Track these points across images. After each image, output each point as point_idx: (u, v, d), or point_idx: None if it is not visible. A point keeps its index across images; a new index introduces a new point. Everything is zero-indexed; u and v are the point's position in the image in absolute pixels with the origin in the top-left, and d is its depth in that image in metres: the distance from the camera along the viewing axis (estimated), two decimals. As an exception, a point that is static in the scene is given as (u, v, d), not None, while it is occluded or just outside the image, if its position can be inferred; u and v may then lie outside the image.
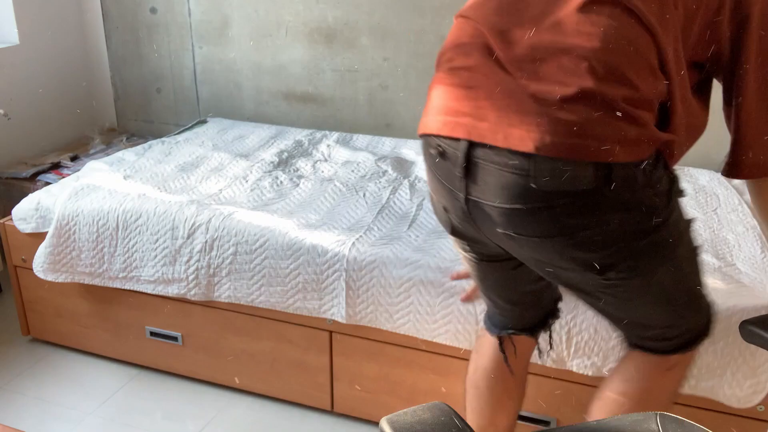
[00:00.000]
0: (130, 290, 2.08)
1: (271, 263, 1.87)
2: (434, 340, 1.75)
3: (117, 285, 2.06)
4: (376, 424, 1.96)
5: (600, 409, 1.34)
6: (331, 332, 1.89)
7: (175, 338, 2.09)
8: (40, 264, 2.10)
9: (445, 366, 1.80)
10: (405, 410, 0.90)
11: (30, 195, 2.21)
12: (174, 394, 2.11)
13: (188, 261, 1.95)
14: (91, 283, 2.08)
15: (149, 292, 2.02)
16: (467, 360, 1.75)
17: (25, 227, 2.15)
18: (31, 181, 2.62)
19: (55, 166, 2.75)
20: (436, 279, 1.71)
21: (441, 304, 1.71)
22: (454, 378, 1.80)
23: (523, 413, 1.76)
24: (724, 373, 1.55)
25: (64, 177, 2.55)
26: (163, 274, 1.98)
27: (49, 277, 2.11)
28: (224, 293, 1.94)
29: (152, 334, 2.11)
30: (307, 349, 1.93)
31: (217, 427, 1.97)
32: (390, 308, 1.76)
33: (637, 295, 1.18)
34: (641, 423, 1.08)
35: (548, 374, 1.69)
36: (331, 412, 2.00)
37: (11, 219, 2.20)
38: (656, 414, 1.09)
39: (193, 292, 1.97)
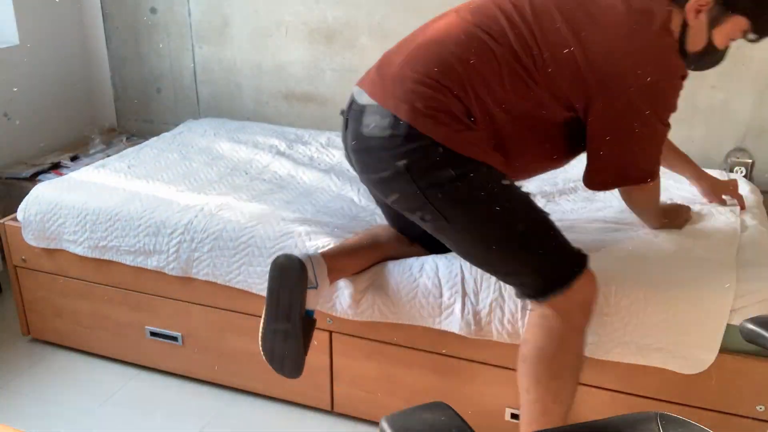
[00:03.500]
0: (130, 290, 2.08)
1: (257, 242, 1.88)
2: (400, 322, 1.76)
3: (96, 255, 2.06)
4: (376, 424, 1.96)
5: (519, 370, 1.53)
6: (331, 332, 1.89)
7: (175, 338, 2.09)
8: (30, 232, 2.15)
9: (445, 366, 1.80)
10: (405, 410, 0.90)
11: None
12: (174, 394, 2.11)
13: (172, 233, 1.96)
14: (74, 252, 2.09)
15: (128, 263, 2.03)
16: (467, 360, 1.76)
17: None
18: (31, 181, 2.62)
19: (55, 166, 2.75)
20: (404, 260, 1.77)
21: (405, 283, 1.74)
22: (454, 378, 1.80)
23: (523, 413, 1.76)
24: (675, 342, 1.58)
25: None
26: (144, 244, 1.99)
27: (42, 244, 2.13)
28: (203, 270, 1.94)
29: (152, 334, 2.12)
30: (307, 349, 1.93)
31: (217, 427, 1.97)
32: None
33: (453, 239, 1.54)
34: (642, 423, 1.09)
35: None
36: (331, 412, 2.00)
37: (11, 219, 2.20)
38: (657, 414, 1.10)
39: (171, 266, 1.97)
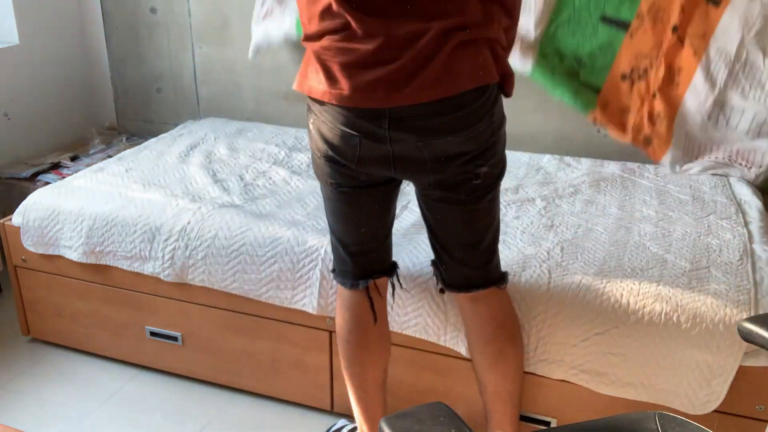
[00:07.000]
0: (130, 290, 2.08)
1: (249, 250, 1.88)
2: (404, 333, 1.77)
3: (92, 260, 2.06)
4: (376, 424, 1.96)
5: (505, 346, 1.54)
6: (331, 332, 1.89)
7: (175, 338, 2.09)
8: (29, 238, 2.14)
9: (445, 366, 1.80)
10: (405, 410, 0.90)
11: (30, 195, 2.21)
12: (174, 394, 2.11)
13: (167, 239, 1.96)
14: (71, 258, 2.09)
15: (124, 268, 2.03)
16: (468, 360, 1.75)
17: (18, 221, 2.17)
18: (31, 181, 2.62)
19: (55, 166, 2.75)
20: (408, 274, 1.74)
21: (412, 299, 1.73)
22: (454, 378, 1.80)
23: (523, 413, 1.76)
24: (681, 383, 1.57)
25: (64, 177, 2.55)
26: (140, 250, 1.99)
27: (40, 250, 2.13)
28: (198, 276, 1.94)
29: (152, 334, 2.12)
30: (307, 349, 1.93)
31: (217, 427, 1.97)
32: None
33: (494, 200, 1.42)
34: (641, 422, 1.09)
35: (548, 375, 1.70)
36: (331, 412, 2.00)
37: (11, 219, 2.20)
38: (656, 413, 1.10)
39: (167, 272, 1.97)
